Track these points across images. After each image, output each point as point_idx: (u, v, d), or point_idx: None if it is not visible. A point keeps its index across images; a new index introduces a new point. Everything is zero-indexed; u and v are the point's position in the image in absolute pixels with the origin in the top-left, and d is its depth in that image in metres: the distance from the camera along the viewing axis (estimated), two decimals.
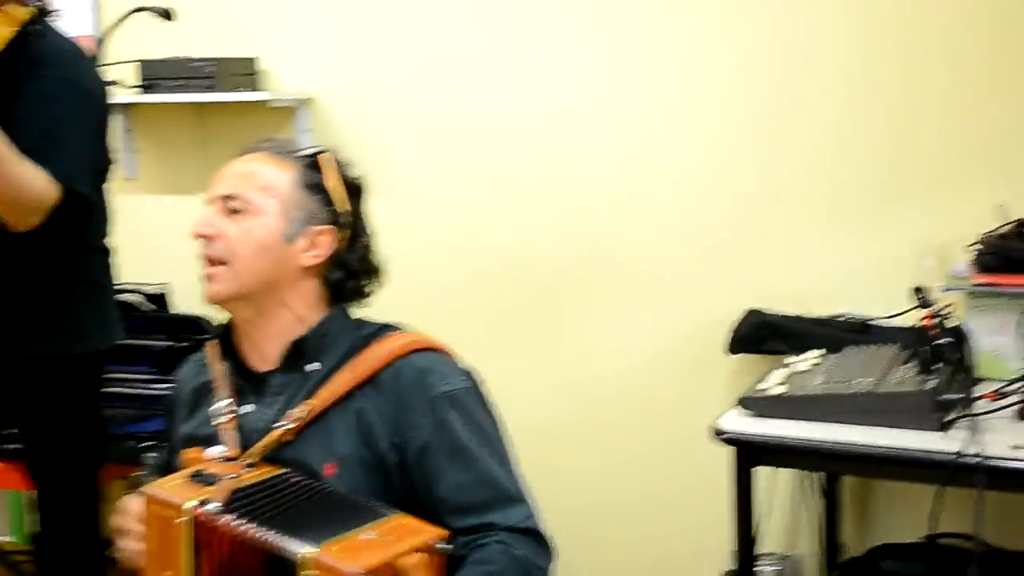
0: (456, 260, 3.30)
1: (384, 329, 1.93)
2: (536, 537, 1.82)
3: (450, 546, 1.68)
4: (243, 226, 1.87)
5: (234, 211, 1.87)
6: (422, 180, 3.29)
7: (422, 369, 1.85)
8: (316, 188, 1.91)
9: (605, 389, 3.21)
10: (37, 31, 2.56)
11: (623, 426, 3.21)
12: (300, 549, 1.58)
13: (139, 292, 3.36)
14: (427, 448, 1.80)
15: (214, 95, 3.23)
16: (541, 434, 3.25)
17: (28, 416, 2.78)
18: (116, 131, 3.51)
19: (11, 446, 3.00)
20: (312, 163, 1.92)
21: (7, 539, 3.93)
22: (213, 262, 1.87)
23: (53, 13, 2.67)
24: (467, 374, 1.91)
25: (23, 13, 2.52)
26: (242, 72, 3.26)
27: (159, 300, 3.41)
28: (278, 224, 1.88)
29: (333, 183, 1.92)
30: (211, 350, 1.98)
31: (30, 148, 2.46)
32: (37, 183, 2.47)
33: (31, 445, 2.83)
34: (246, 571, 1.66)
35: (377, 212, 3.25)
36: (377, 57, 3.27)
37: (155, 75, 3.29)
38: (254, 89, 3.29)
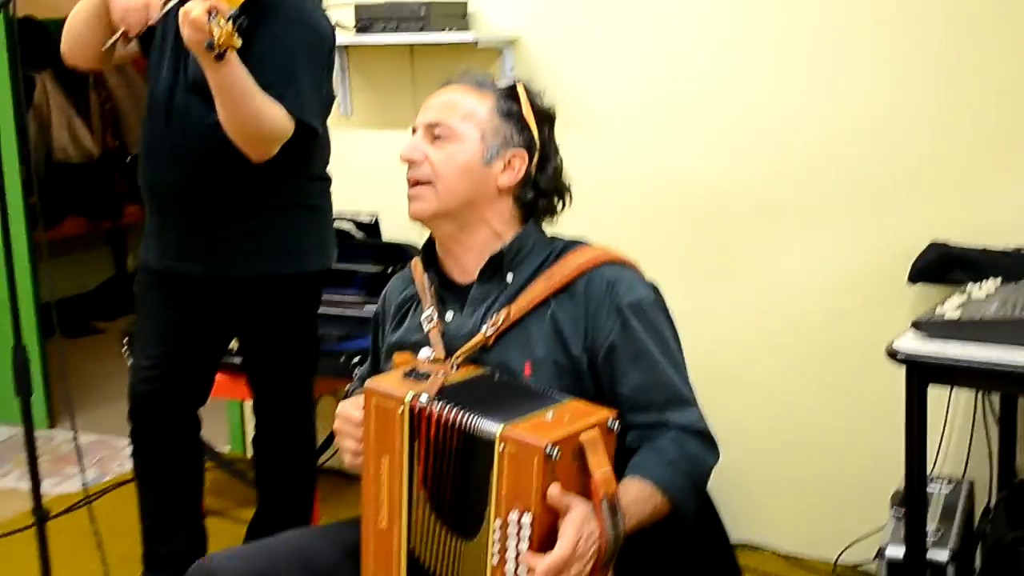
0: (650, 189, 3.43)
1: (574, 244, 2.12)
2: (706, 438, 1.99)
3: (616, 424, 1.85)
4: (446, 151, 2.06)
5: (437, 137, 2.07)
6: (619, 115, 3.42)
7: (611, 279, 2.02)
8: (512, 116, 2.09)
9: (787, 314, 3.32)
10: None
11: (804, 350, 3.33)
12: (495, 428, 1.79)
13: (352, 221, 3.60)
14: (612, 350, 1.98)
15: (425, 36, 3.42)
16: (725, 355, 3.40)
17: (250, 330, 3.05)
18: (334, 70, 3.76)
19: (233, 359, 3.27)
20: (508, 93, 2.11)
21: (228, 448, 4.27)
22: (418, 183, 2.08)
23: None
24: (652, 287, 2.08)
25: None
26: (452, 14, 3.45)
27: (370, 228, 3.64)
28: (478, 148, 2.07)
29: (526, 111, 2.11)
30: (416, 266, 2.20)
31: (267, 85, 2.69)
32: (276, 117, 2.71)
33: (251, 357, 3.11)
34: (452, 452, 1.87)
35: (576, 145, 3.44)
36: (576, 1, 3.42)
37: (370, 16, 3.50)
38: (463, 30, 3.47)
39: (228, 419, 4.25)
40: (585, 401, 1.91)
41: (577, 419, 1.84)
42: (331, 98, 2.98)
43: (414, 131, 2.12)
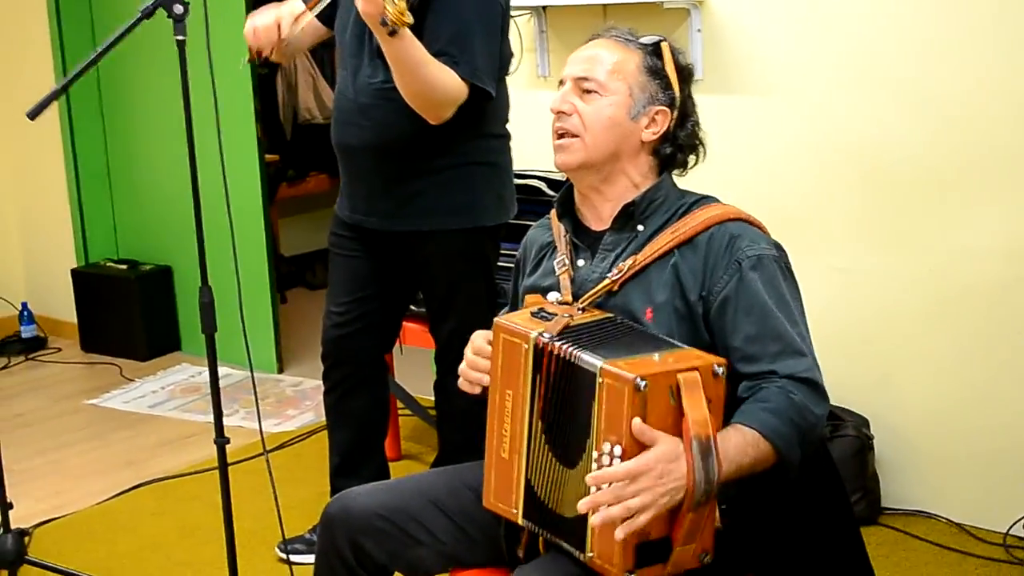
0: (826, 154, 3.44)
1: (705, 199, 2.20)
2: (814, 386, 2.03)
3: (723, 370, 1.93)
4: (595, 104, 2.18)
5: (587, 91, 2.19)
6: (802, 79, 3.44)
7: (734, 234, 2.10)
8: (656, 72, 2.19)
9: (964, 282, 3.29)
10: None
11: (980, 319, 3.30)
12: (598, 363, 1.91)
13: (543, 178, 3.74)
14: (727, 301, 2.06)
15: None
16: (899, 323, 3.40)
17: (430, 281, 3.25)
18: (530, 31, 3.91)
19: (422, 309, 3.48)
20: (654, 50, 2.20)
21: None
22: (566, 134, 2.21)
23: None
24: (775, 244, 2.15)
25: None
26: None
27: (559, 186, 3.77)
28: (625, 103, 2.17)
29: (670, 68, 2.20)
30: (553, 213, 2.33)
31: (441, 51, 2.87)
32: (449, 83, 2.89)
33: (432, 307, 3.30)
34: (565, 387, 2.00)
35: (756, 108, 3.50)
36: None
37: None
38: None
39: (431, 368, 4.47)
40: (698, 350, 2.01)
41: (681, 361, 1.94)
42: (508, 58, 3.13)
43: (561, 83, 2.24)
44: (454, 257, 3.16)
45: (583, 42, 2.27)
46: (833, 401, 3.28)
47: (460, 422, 3.33)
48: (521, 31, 3.87)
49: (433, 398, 3.55)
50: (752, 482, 1.98)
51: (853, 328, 3.44)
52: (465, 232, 3.13)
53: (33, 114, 2.68)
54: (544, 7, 3.81)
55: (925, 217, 3.33)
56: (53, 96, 2.69)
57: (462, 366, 2.22)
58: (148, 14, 2.59)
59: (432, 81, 2.86)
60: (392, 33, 2.71)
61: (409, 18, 2.68)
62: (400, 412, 4.14)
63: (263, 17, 3.08)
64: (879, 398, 3.42)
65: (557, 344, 2.01)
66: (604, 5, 3.67)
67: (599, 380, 1.91)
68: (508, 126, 3.22)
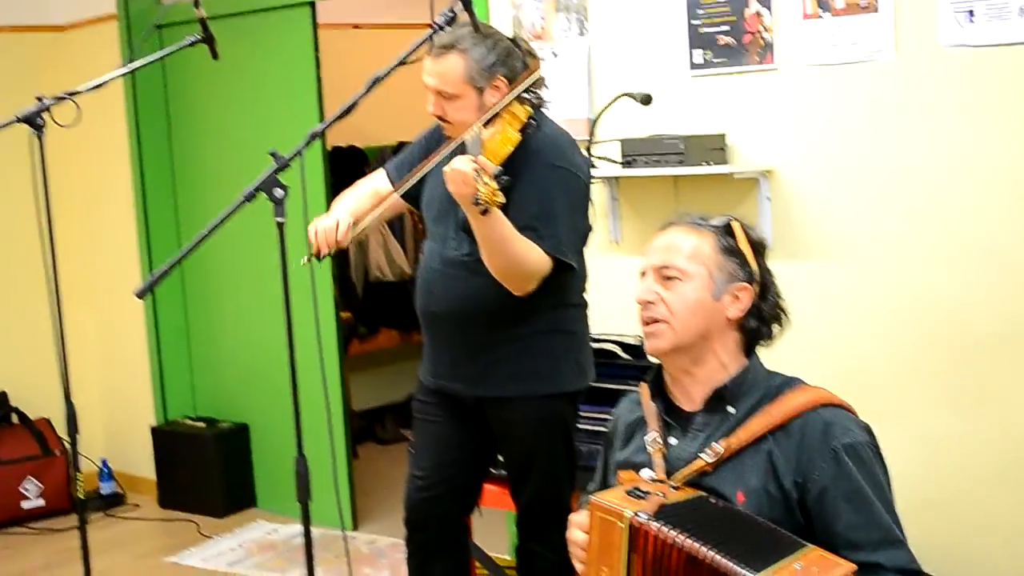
0: (902, 319, 3.51)
1: (792, 382, 2.29)
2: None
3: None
4: (678, 291, 2.29)
5: (668, 278, 2.31)
6: (872, 241, 3.53)
7: (828, 422, 2.19)
8: (732, 251, 2.31)
9: None
10: (533, 124, 3.10)
11: None
12: (749, 574, 1.96)
13: (617, 342, 3.84)
14: (827, 490, 2.14)
15: (685, 169, 3.67)
16: (973, 486, 3.43)
17: (511, 445, 3.34)
18: (603, 199, 4.06)
19: (501, 472, 3.56)
20: (726, 230, 2.33)
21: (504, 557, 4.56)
22: (654, 321, 2.32)
23: (546, 104, 3.25)
24: (866, 429, 2.23)
25: (524, 112, 3.05)
26: (710, 147, 3.68)
27: (634, 349, 3.88)
28: (707, 285, 2.29)
29: (744, 245, 2.32)
30: (644, 391, 2.42)
31: (527, 226, 3.01)
32: (535, 258, 3.02)
33: (512, 471, 3.38)
34: (671, 571, 2.07)
35: (828, 274, 3.59)
36: (829, 134, 3.57)
37: (635, 152, 3.78)
38: (721, 163, 3.70)
39: (508, 529, 4.54)
40: (821, 550, 2.07)
41: (823, 571, 2.00)
42: (587, 232, 3.26)
43: (643, 274, 2.36)
44: (534, 422, 3.25)
45: (658, 229, 2.40)
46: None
47: None
48: (594, 198, 4.01)
49: (511, 559, 3.59)
50: None
51: (931, 490, 3.48)
52: (545, 398, 3.23)
53: (142, 293, 2.83)
54: (617, 177, 3.97)
55: (999, 377, 3.38)
56: (160, 277, 2.84)
57: (570, 547, 2.30)
58: (250, 197, 2.75)
59: (518, 256, 3.00)
60: (484, 212, 2.84)
61: (500, 198, 2.79)
62: (478, 573, 4.19)
63: (325, 220, 3.25)
64: (959, 561, 3.44)
65: (655, 525, 2.08)
66: (675, 176, 3.82)
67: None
68: (586, 295, 3.34)
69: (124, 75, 3.68)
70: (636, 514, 2.12)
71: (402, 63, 2.81)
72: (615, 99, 3.81)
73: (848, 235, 3.57)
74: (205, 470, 5.63)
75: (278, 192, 2.71)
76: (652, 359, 2.41)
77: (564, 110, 3.90)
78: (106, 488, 5.85)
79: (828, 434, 2.17)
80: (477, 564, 4.10)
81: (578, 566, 2.28)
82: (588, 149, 3.93)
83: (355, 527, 5.27)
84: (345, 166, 6.53)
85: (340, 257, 6.69)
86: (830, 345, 3.61)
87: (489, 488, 3.76)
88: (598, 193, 4.04)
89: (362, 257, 7.03)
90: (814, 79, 3.58)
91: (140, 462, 5.95)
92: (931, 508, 3.48)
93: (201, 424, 5.75)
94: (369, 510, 5.41)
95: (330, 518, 5.01)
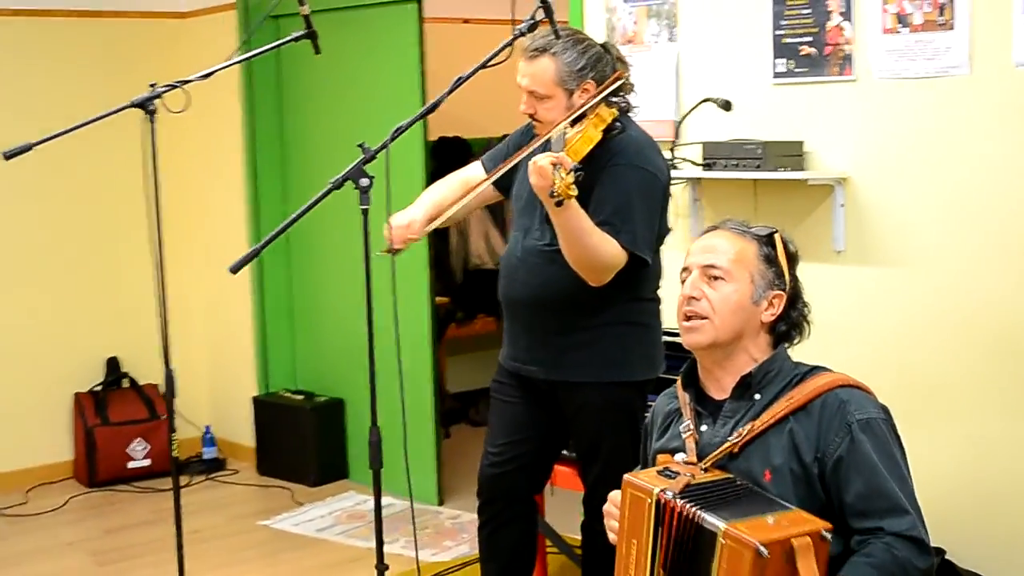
0: (966, 324, 3.63)
1: (817, 369, 2.50)
2: (917, 542, 2.30)
3: (830, 535, 2.20)
4: (722, 290, 2.51)
5: (714, 278, 2.52)
6: (941, 249, 3.63)
7: (843, 400, 2.39)
8: (772, 261, 2.52)
9: None
10: (619, 127, 3.33)
11: None
12: (720, 525, 2.20)
13: None
14: (841, 461, 2.34)
15: (762, 173, 3.85)
16: None
17: (581, 428, 3.57)
18: (686, 200, 4.25)
19: (572, 454, 3.79)
20: (768, 240, 2.53)
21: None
22: (695, 317, 2.53)
23: (633, 109, 3.46)
24: (882, 408, 2.42)
25: (609, 115, 3.28)
26: (788, 154, 3.85)
27: None
28: (748, 289, 2.50)
29: (782, 256, 2.52)
30: (679, 383, 2.64)
31: (605, 221, 3.24)
32: (610, 250, 3.24)
33: (581, 452, 3.61)
34: (686, 542, 2.29)
35: (897, 280, 3.71)
36: (904, 145, 3.70)
37: (715, 155, 3.97)
38: (797, 169, 3.87)
39: (580, 509, 4.75)
40: (805, 512, 2.28)
41: (793, 525, 2.22)
42: (665, 232, 3.46)
43: (686, 270, 2.57)
44: (603, 408, 3.47)
45: (702, 232, 2.60)
46: (964, 565, 3.46)
47: (604, 562, 3.59)
48: (677, 199, 4.21)
49: (580, 538, 3.82)
50: None
51: (983, 493, 3.61)
52: (615, 385, 3.44)
53: (235, 269, 3.10)
54: (699, 179, 4.16)
55: None
56: (253, 254, 3.11)
57: (605, 520, 2.53)
58: (338, 186, 3.01)
59: (594, 248, 3.21)
60: (559, 204, 3.07)
61: (574, 191, 3.01)
62: (549, 550, 4.42)
63: (399, 217, 3.49)
64: (1010, 562, 3.57)
65: (679, 501, 2.30)
66: (754, 181, 3.99)
67: (721, 541, 2.20)
68: (660, 291, 3.54)
69: (236, 64, 3.97)
70: (663, 491, 2.33)
71: (485, 66, 3.04)
72: (698, 104, 4.00)
73: (918, 243, 3.71)
74: (301, 441, 5.96)
75: (364, 181, 2.96)
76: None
77: (651, 111, 4.10)
78: (208, 453, 6.21)
79: (844, 411, 2.38)
80: (547, 541, 4.34)
81: (612, 538, 2.50)
82: (672, 150, 4.13)
83: (441, 502, 5.53)
84: (449, 155, 6.78)
85: (439, 243, 6.96)
86: (898, 348, 3.75)
87: (561, 469, 3.99)
88: (681, 194, 4.24)
89: (463, 244, 7.29)
90: (891, 91, 3.73)
91: (241, 430, 6.31)
92: (981, 508, 3.60)
93: (299, 397, 6.08)
94: (456, 487, 5.66)
95: (418, 493, 5.33)
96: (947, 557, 3.47)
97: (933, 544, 2.42)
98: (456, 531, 5.17)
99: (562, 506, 4.58)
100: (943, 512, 3.25)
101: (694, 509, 2.27)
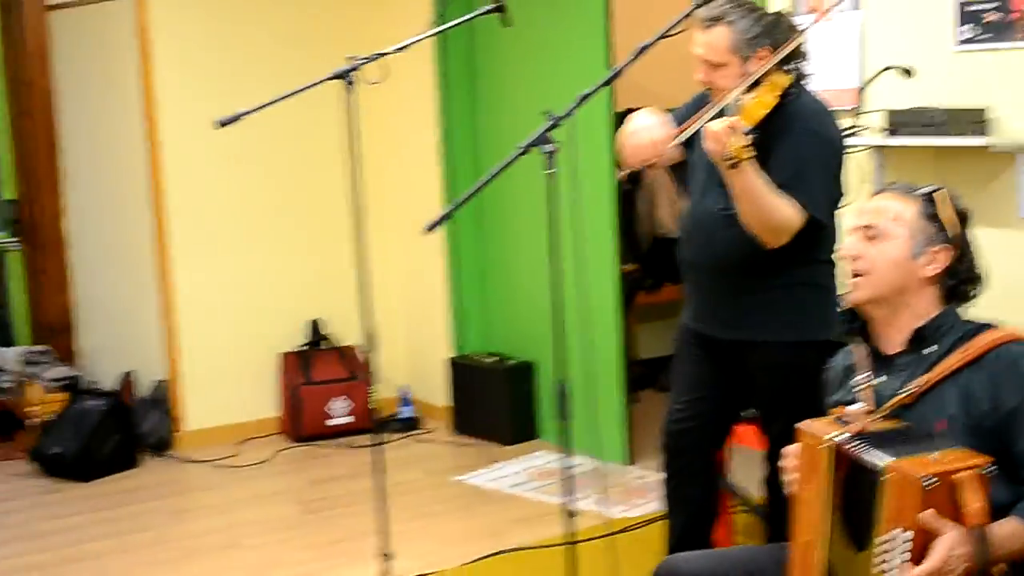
0: None
1: (987, 326, 2.64)
2: None
3: (995, 468, 2.35)
4: (879, 248, 2.67)
5: (872, 237, 2.68)
6: None
7: (1018, 354, 2.53)
8: (933, 217, 2.66)
9: None
10: (794, 93, 3.49)
11: None
12: (885, 461, 2.39)
13: None
14: (1013, 413, 2.49)
15: (944, 139, 3.95)
16: None
17: (760, 386, 3.74)
18: (870, 167, 4.37)
19: (749, 412, 3.97)
20: (929, 198, 2.68)
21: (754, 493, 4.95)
22: (857, 275, 2.70)
23: (807, 77, 3.62)
24: None
25: (784, 81, 3.44)
26: (970, 120, 3.94)
27: None
28: (906, 245, 2.65)
29: (947, 213, 2.66)
30: (853, 340, 2.81)
31: (783, 184, 3.40)
32: (787, 211, 3.41)
33: (762, 410, 3.80)
34: (856, 482, 2.48)
35: None
36: None
37: (898, 122, 4.08)
38: (980, 135, 3.94)
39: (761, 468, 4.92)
40: (971, 451, 2.43)
41: (956, 462, 2.38)
42: (839, 197, 3.62)
43: (852, 231, 2.75)
44: (781, 366, 3.64)
45: (871, 195, 2.76)
46: None
47: (786, 515, 3.77)
48: (861, 166, 4.33)
49: (762, 495, 4.00)
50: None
51: None
52: (792, 345, 3.61)
53: (431, 228, 3.35)
54: (881, 146, 4.28)
55: None
56: (447, 215, 3.35)
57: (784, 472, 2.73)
58: (524, 151, 3.23)
59: (768, 209, 3.39)
60: (733, 166, 3.25)
61: (748, 153, 3.20)
62: (733, 508, 4.61)
63: (637, 136, 3.59)
64: None
65: (851, 445, 2.49)
66: (935, 148, 4.10)
67: (885, 476, 2.37)
68: (833, 254, 3.69)
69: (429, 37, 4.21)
70: (836, 437, 2.52)
71: (664, 36, 3.24)
72: (880, 72, 4.12)
73: None
74: (494, 402, 6.28)
75: (548, 147, 3.18)
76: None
77: (834, 79, 4.24)
78: (404, 412, 6.57)
79: (1018, 364, 2.50)
80: (732, 499, 4.53)
81: (788, 486, 2.70)
82: (855, 117, 4.26)
83: (631, 462, 5.77)
84: None
85: (627, 210, 7.16)
86: None
87: (744, 428, 4.18)
88: (864, 161, 4.36)
89: (649, 212, 7.48)
90: None
91: (436, 391, 6.66)
92: None
93: (492, 359, 6.39)
94: (644, 448, 5.84)
95: (607, 452, 5.57)
96: None
97: None
98: (644, 490, 5.38)
99: (744, 464, 4.77)
100: None
101: (861, 449, 2.45)
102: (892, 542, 2.35)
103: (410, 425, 6.55)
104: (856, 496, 2.48)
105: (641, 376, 7.25)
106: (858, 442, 2.49)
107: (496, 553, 4.71)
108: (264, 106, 3.88)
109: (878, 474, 2.39)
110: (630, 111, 7.05)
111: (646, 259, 7.45)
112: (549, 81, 5.94)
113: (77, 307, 6.99)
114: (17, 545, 5.14)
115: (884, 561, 2.37)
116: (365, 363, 6.49)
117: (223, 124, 3.81)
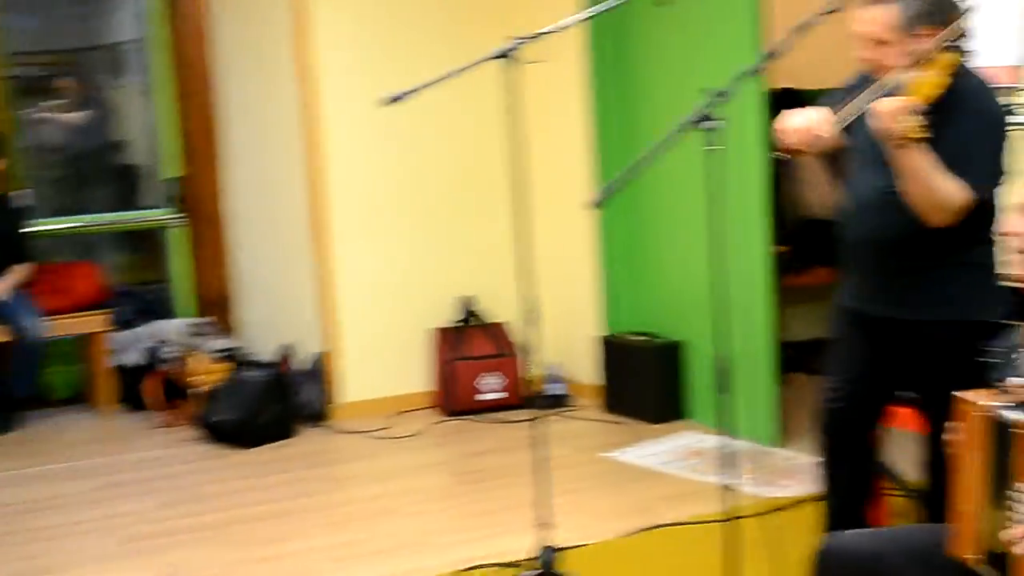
0: None
1: None
2: None
3: None
4: None
5: None
6: None
7: None
8: None
9: None
10: (959, 72, 3.50)
11: None
12: (1012, 416, 2.48)
13: None
14: None
15: None
16: None
17: (920, 366, 3.75)
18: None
19: (908, 394, 3.96)
20: None
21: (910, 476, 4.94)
22: (1022, 252, 2.73)
23: (969, 54, 3.62)
24: None
25: (949, 59, 3.44)
26: None
27: None
28: None
29: None
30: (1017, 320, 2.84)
31: (947, 163, 3.42)
32: (951, 191, 3.42)
33: (921, 391, 3.80)
34: (1003, 444, 2.55)
35: None
36: None
37: None
38: None
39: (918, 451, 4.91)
40: None
41: None
42: (1002, 173, 3.62)
43: (1014, 210, 2.78)
44: (943, 346, 3.65)
45: None
46: None
47: (943, 498, 3.79)
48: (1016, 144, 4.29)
49: (921, 478, 4.01)
50: None
51: None
52: (955, 324, 3.61)
53: (596, 204, 3.46)
54: None
55: None
56: (611, 190, 3.45)
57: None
58: (692, 126, 3.31)
59: (935, 189, 3.40)
60: (902, 146, 3.28)
61: (921, 133, 3.23)
62: (888, 490, 4.62)
63: (796, 120, 3.64)
64: None
65: (1004, 413, 2.54)
66: None
67: (1016, 431, 2.46)
68: (994, 233, 3.68)
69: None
70: (990, 404, 2.57)
71: (829, 12, 3.28)
72: None
73: None
74: (643, 380, 6.36)
75: (711, 124, 3.25)
76: None
77: (994, 57, 4.22)
78: (554, 389, 6.69)
79: None
80: (888, 482, 4.54)
81: (953, 461, 2.75)
82: (1015, 95, 4.23)
83: (779, 444, 5.80)
84: (781, 108, 6.93)
85: (777, 191, 7.16)
86: None
87: (901, 410, 4.19)
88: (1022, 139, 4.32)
89: (798, 194, 7.47)
90: None
91: (584, 369, 6.76)
92: None
93: (641, 338, 6.47)
94: (793, 431, 5.88)
95: (756, 433, 5.62)
96: None
97: None
98: (793, 471, 5.41)
99: (900, 446, 4.77)
100: None
101: (1012, 411, 2.52)
102: (1019, 494, 2.45)
103: (559, 402, 6.67)
104: (1002, 457, 2.56)
105: (790, 358, 7.25)
106: (1013, 409, 2.54)
107: (647, 528, 4.79)
108: (431, 83, 4.00)
109: (1013, 432, 2.46)
110: (787, 91, 7.12)
111: (795, 241, 7.44)
112: (698, 59, 5.97)
113: (237, 281, 7.25)
114: (188, 506, 5.41)
115: (1014, 513, 2.46)
116: (514, 340, 6.63)
117: (392, 101, 3.93)
